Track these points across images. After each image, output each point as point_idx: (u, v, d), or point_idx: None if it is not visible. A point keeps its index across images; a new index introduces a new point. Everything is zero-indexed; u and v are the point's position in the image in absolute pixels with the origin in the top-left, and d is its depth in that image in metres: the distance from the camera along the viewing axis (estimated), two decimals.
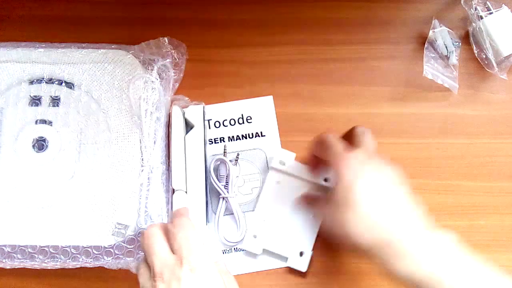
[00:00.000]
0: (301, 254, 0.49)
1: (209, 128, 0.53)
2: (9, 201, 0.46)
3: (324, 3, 0.56)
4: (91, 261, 0.45)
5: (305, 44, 0.55)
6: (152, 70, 0.49)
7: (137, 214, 0.46)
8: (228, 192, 0.50)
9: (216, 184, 0.50)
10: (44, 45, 0.50)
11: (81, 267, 0.46)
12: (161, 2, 0.56)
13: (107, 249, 0.45)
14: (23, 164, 0.47)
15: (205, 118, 0.52)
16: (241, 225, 0.50)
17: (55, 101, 0.48)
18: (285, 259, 0.49)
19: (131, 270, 0.46)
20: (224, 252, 0.50)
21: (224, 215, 0.50)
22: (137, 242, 0.46)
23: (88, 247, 0.45)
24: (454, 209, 0.51)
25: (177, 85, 0.52)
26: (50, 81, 0.49)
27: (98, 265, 0.45)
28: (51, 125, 0.48)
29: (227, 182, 0.50)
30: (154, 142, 0.48)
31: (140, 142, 0.48)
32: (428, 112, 0.53)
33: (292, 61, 0.54)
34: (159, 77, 0.49)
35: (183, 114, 0.51)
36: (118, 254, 0.45)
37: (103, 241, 0.45)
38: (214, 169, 0.51)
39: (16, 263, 0.45)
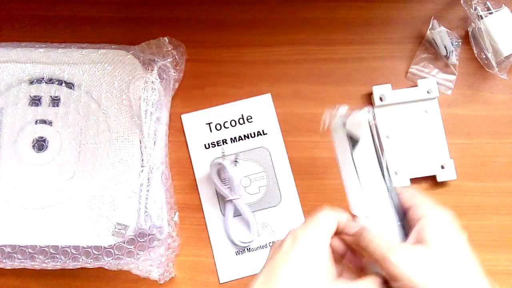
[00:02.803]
0: (442, 167, 0.51)
1: (210, 131, 0.53)
2: (9, 201, 0.46)
3: (324, 3, 0.56)
4: (91, 261, 0.45)
5: (305, 44, 0.55)
6: (152, 70, 0.49)
7: (137, 214, 0.46)
8: (233, 194, 0.50)
9: (220, 187, 0.50)
10: (44, 45, 0.50)
11: (81, 268, 0.46)
12: (161, 2, 0.56)
13: (107, 250, 0.45)
14: (23, 164, 0.47)
15: (210, 122, 0.53)
16: (252, 225, 0.50)
17: (55, 101, 0.48)
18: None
19: (131, 271, 0.46)
20: (237, 253, 0.50)
21: (234, 217, 0.51)
22: (137, 243, 0.46)
23: (88, 248, 0.45)
24: (454, 209, 0.51)
25: (176, 85, 0.52)
26: (50, 81, 0.49)
27: (98, 266, 0.45)
28: (51, 125, 0.48)
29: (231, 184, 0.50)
30: (154, 142, 0.48)
31: (140, 142, 0.48)
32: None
33: (292, 61, 0.54)
34: (159, 78, 0.49)
35: (343, 125, 0.40)
36: (118, 254, 0.45)
37: (103, 242, 0.45)
38: (216, 173, 0.51)
39: (16, 263, 0.45)
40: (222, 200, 0.51)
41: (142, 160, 0.47)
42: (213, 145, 0.53)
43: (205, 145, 0.53)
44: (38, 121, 0.48)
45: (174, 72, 0.51)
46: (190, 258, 0.50)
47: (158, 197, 0.47)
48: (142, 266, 0.46)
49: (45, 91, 0.48)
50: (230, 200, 0.50)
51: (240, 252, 0.51)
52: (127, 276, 0.47)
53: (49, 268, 0.46)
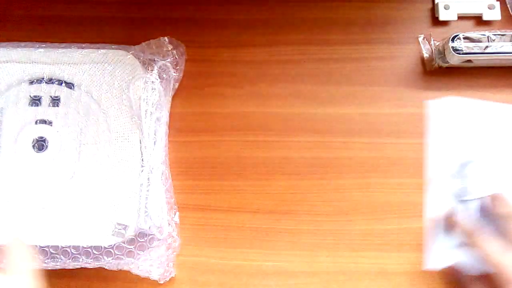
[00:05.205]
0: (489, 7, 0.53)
1: None
2: (9, 201, 0.46)
3: (324, 3, 0.56)
4: (91, 261, 0.45)
5: (305, 44, 0.55)
6: (152, 70, 0.49)
7: (137, 214, 0.46)
8: None
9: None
10: (44, 45, 0.50)
11: (81, 268, 0.46)
12: (161, 2, 0.56)
13: (107, 250, 0.45)
14: (23, 164, 0.47)
15: None
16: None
17: (55, 101, 0.48)
18: None
19: (131, 271, 0.46)
20: None
21: None
22: (137, 243, 0.46)
23: (88, 248, 0.45)
24: None
25: (177, 85, 0.52)
26: (50, 81, 0.49)
27: (98, 266, 0.45)
28: (51, 125, 0.48)
29: None
30: (154, 142, 0.48)
31: (140, 142, 0.48)
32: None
33: (292, 61, 0.54)
34: (159, 78, 0.49)
35: None
36: (118, 254, 0.45)
37: (103, 242, 0.45)
38: None
39: None
40: None
41: (142, 160, 0.47)
42: None
43: None
44: (38, 121, 0.48)
45: (174, 72, 0.51)
46: (190, 258, 0.50)
47: (158, 197, 0.47)
48: (142, 266, 0.46)
49: (45, 91, 0.48)
50: None
51: None
52: (127, 276, 0.47)
53: (49, 268, 0.46)
